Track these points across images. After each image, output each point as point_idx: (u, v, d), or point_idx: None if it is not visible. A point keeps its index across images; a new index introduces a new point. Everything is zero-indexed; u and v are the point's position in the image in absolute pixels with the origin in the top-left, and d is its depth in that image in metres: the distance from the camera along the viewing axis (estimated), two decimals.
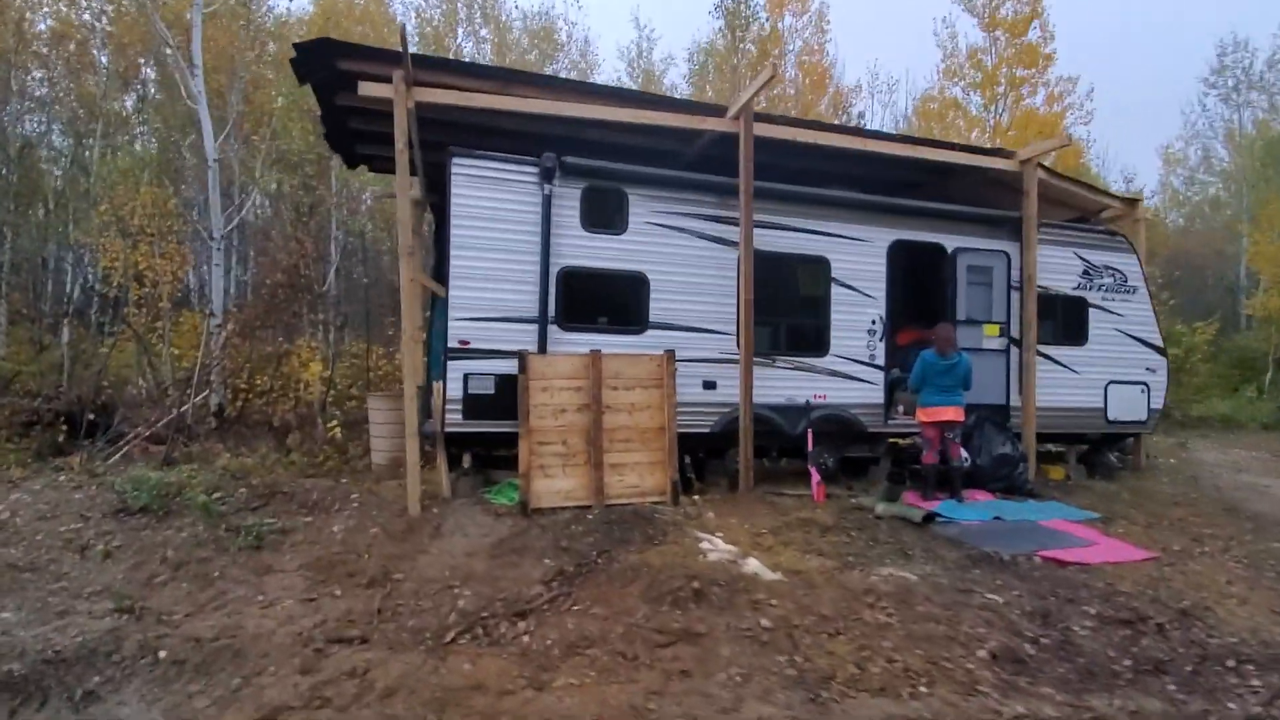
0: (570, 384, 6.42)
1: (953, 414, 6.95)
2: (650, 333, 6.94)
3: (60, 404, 9.56)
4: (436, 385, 6.74)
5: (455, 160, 6.41)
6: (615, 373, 6.51)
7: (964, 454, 7.14)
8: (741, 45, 18.20)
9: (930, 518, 6.10)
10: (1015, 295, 8.13)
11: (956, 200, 8.24)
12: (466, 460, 6.78)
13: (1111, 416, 8.66)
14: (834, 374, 7.52)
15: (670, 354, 6.61)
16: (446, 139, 6.76)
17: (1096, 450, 8.99)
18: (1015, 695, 3.37)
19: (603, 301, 6.88)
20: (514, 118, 6.93)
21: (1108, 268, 8.68)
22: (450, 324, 6.37)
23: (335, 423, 9.83)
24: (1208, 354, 18.76)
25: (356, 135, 7.90)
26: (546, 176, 6.55)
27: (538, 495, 6.21)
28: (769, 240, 7.21)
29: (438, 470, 6.90)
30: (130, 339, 11.80)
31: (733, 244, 7.15)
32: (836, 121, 18.63)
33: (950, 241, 7.96)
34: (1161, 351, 9.01)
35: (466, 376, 6.41)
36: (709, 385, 7.07)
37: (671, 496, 6.48)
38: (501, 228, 6.52)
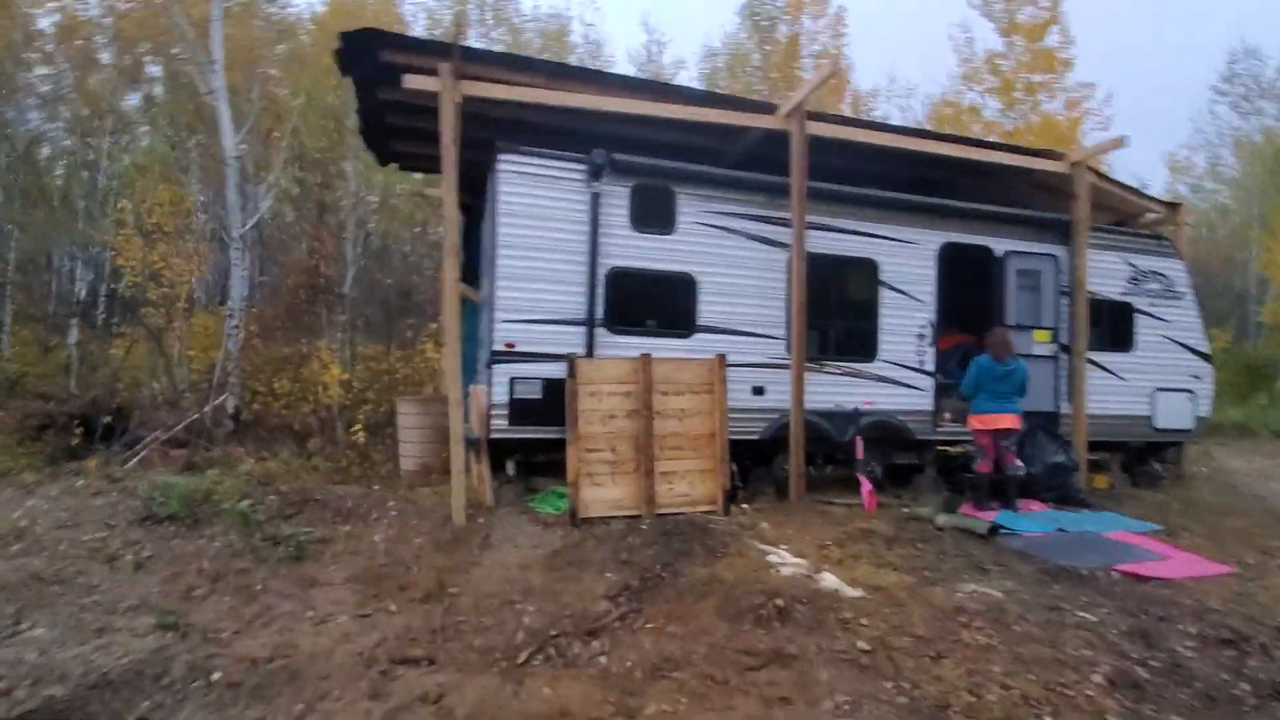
0: (619, 389, 6.19)
1: (1009, 421, 6.74)
2: (698, 336, 6.72)
3: (73, 406, 9.29)
4: (476, 390, 6.50)
5: (502, 156, 6.18)
6: (665, 377, 6.28)
7: (1018, 463, 6.92)
8: (765, 47, 18.09)
9: (995, 529, 5.88)
10: (1064, 300, 7.94)
11: (995, 203, 8.06)
12: (511, 468, 6.53)
13: (1159, 424, 8.47)
14: (882, 379, 7.31)
15: (721, 358, 6.38)
16: (482, 136, 6.54)
17: (1140, 458, 8.80)
18: None
19: (650, 304, 6.66)
20: (554, 114, 6.72)
21: (1154, 273, 8.51)
22: (496, 326, 6.13)
23: (359, 427, 9.57)
24: (1221, 361, 18.67)
25: (391, 131, 7.68)
26: (595, 174, 6.33)
27: (586, 504, 5.96)
28: (817, 241, 7.00)
29: (476, 477, 6.65)
30: (141, 340, 11.52)
31: (781, 245, 6.95)
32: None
33: (999, 245, 7.77)
34: (1207, 358, 8.83)
35: (513, 381, 6.17)
36: (758, 391, 6.84)
37: (723, 506, 6.25)
38: (549, 226, 6.29)
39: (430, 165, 8.82)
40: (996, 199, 8.14)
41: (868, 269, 7.29)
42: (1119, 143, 7.86)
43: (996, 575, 4.89)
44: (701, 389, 6.41)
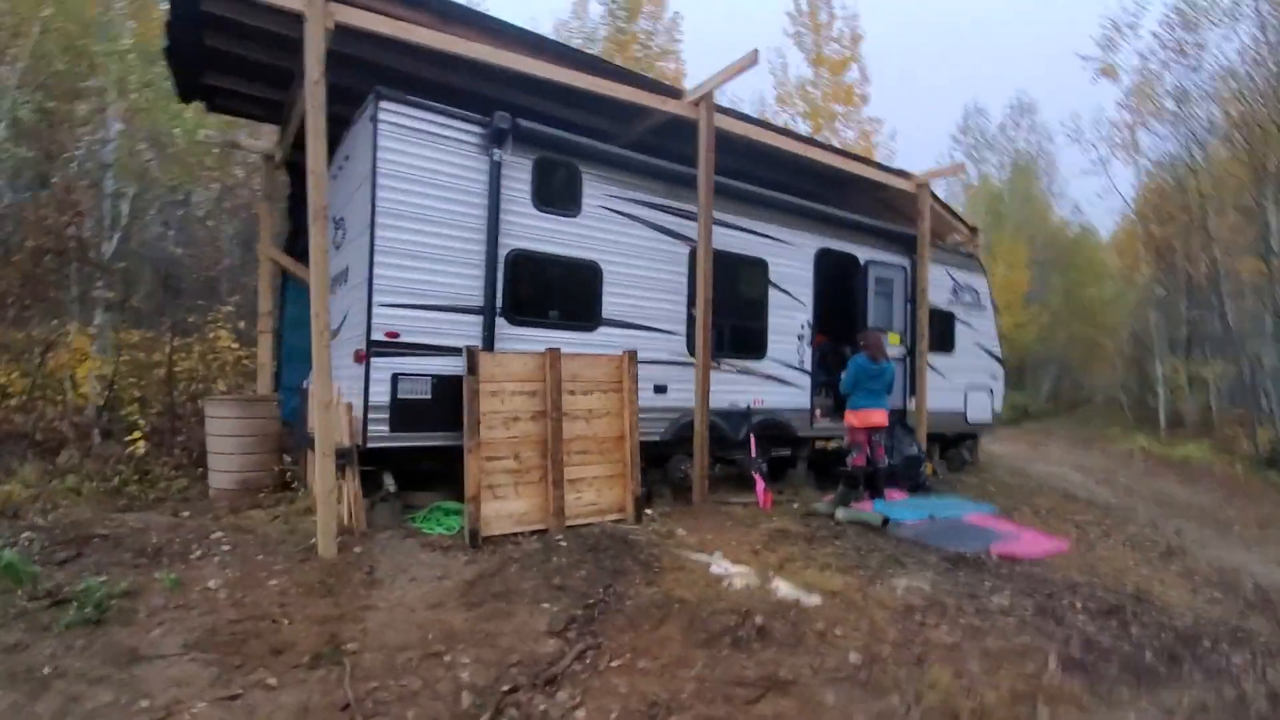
0: (524, 388, 5.45)
1: (882, 418, 7.20)
2: (603, 330, 6.19)
3: None
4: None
5: (385, 106, 5.09)
6: (572, 375, 5.67)
7: (885, 456, 7.44)
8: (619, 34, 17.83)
9: (886, 521, 6.20)
10: (907, 307, 8.75)
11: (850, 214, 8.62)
12: (389, 483, 5.43)
13: (970, 418, 9.74)
14: (770, 378, 7.41)
15: (632, 354, 5.93)
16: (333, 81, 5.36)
17: (953, 447, 10.06)
18: (1122, 708, 3.36)
19: (553, 293, 5.98)
20: (431, 64, 5.76)
21: (969, 286, 9.76)
22: (375, 311, 5.03)
23: (137, 435, 7.46)
24: None
25: (207, 57, 6.02)
26: (497, 140, 5.50)
27: (488, 521, 5.15)
28: (714, 237, 6.85)
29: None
30: None
31: (682, 237, 6.70)
32: None
33: (862, 254, 8.31)
34: (1001, 362, 10.37)
35: (396, 378, 5.12)
36: (660, 389, 6.51)
37: (634, 514, 5.82)
38: (440, 196, 5.33)
39: (250, 107, 7.20)
40: (853, 210, 8.71)
41: (759, 268, 7.33)
42: (961, 168, 8.86)
43: (913, 568, 5.09)
44: (610, 387, 5.91)
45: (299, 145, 7.19)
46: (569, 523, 5.49)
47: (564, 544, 5.04)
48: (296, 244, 8.07)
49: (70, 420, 7.91)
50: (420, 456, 5.49)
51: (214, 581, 4.33)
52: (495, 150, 5.49)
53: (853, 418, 7.25)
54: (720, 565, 4.69)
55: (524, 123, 5.58)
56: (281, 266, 7.85)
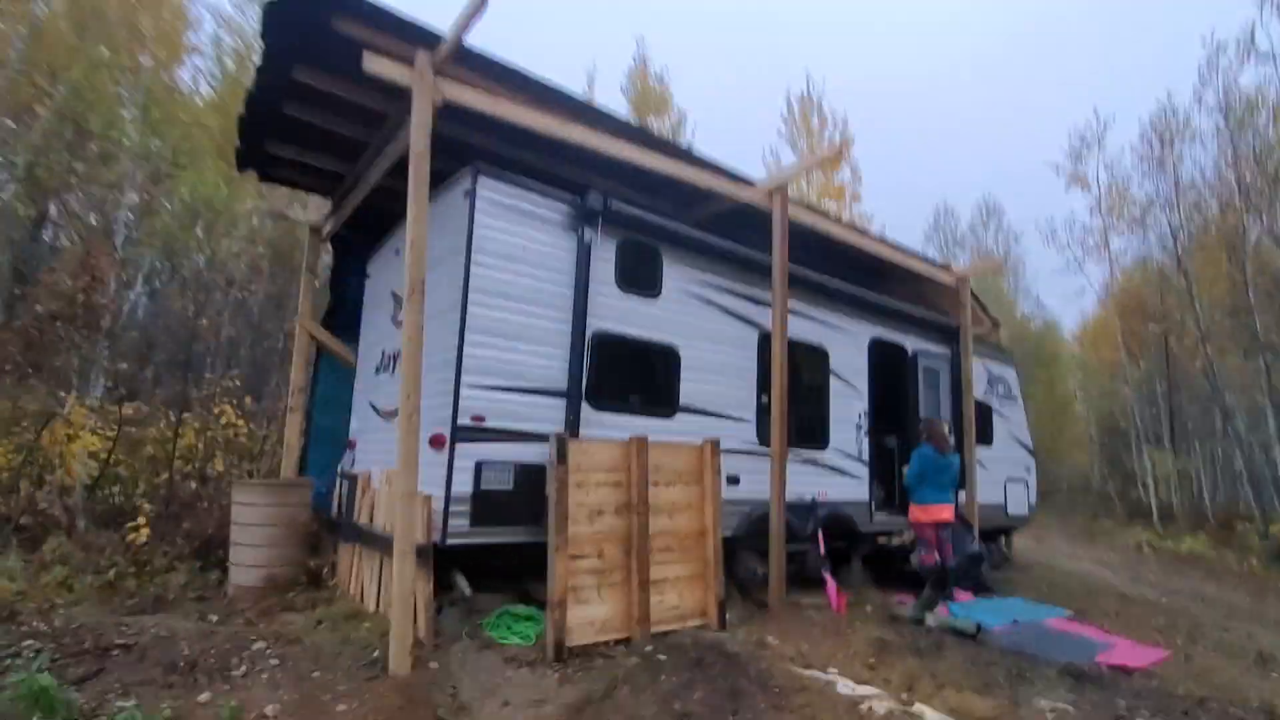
0: (608, 478, 5.05)
1: (949, 513, 6.91)
2: (680, 417, 5.88)
3: None
4: (368, 475, 4.81)
5: (482, 181, 4.91)
6: (655, 465, 5.30)
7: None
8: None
9: (979, 628, 5.80)
10: (951, 399, 8.68)
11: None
12: (464, 585, 4.86)
13: (1010, 511, 9.54)
14: (833, 469, 7.13)
15: (714, 444, 5.60)
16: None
17: (992, 541, 9.78)
18: None
19: (634, 377, 5.68)
20: (516, 144, 5.70)
21: (1000, 378, 9.80)
22: (462, 392, 4.64)
23: (141, 520, 6.70)
24: None
25: (278, 127, 5.83)
26: (588, 219, 5.34)
27: (572, 629, 4.61)
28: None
29: (374, 599, 4.85)
30: None
31: (751, 323, 6.56)
32: None
33: (909, 343, 8.29)
34: (1032, 453, 10.31)
35: (479, 466, 4.68)
36: (732, 480, 6.15)
37: (718, 619, 5.32)
38: (529, 274, 5.09)
39: (304, 178, 6.97)
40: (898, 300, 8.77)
41: (821, 356, 7.20)
42: (999, 265, 9.05)
43: (1040, 684, 4.68)
44: (692, 479, 5.54)
45: (354, 222, 7.00)
46: (653, 629, 4.97)
47: (661, 657, 4.50)
48: (335, 319, 7.70)
49: (62, 503, 7.09)
50: (488, 554, 4.97)
51: (271, 708, 3.70)
52: (586, 229, 5.33)
53: (920, 513, 6.93)
54: (845, 686, 4.22)
55: (615, 203, 5.45)
56: (318, 342, 7.41)
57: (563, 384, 5.14)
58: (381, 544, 5.26)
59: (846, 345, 7.47)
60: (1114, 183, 20.52)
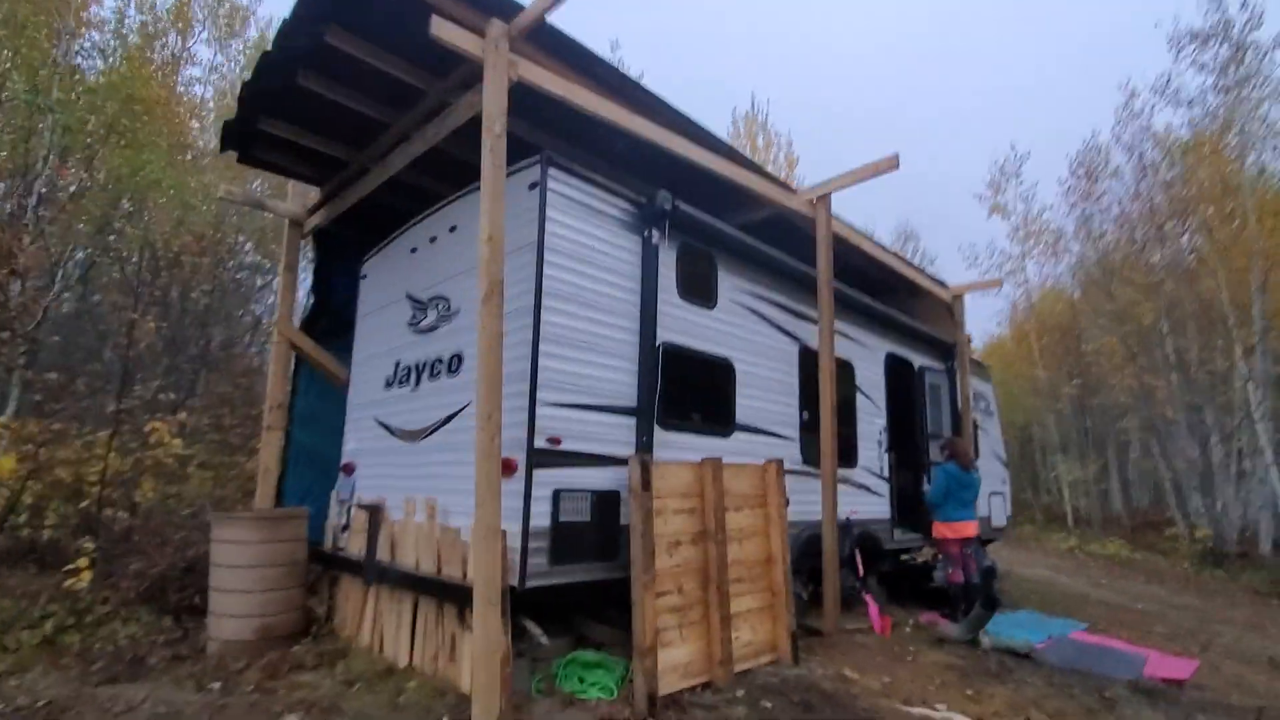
0: (684, 505, 4.60)
1: (973, 529, 6.91)
2: (737, 436, 5.50)
3: None
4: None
5: (552, 171, 4.37)
6: (724, 489, 4.90)
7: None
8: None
9: (1031, 647, 5.75)
10: (951, 414, 8.79)
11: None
12: (538, 632, 4.23)
13: (994, 523, 9.76)
14: (861, 487, 6.96)
15: (778, 464, 5.27)
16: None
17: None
18: None
19: (695, 393, 5.25)
20: (560, 136, 5.21)
21: (980, 394, 10.07)
22: (539, 411, 4.06)
23: (84, 561, 5.57)
24: None
25: (284, 102, 5.03)
26: (654, 220, 4.90)
27: (662, 677, 4.11)
28: (811, 336, 6.53)
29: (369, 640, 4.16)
30: None
31: (792, 335, 6.31)
32: None
33: (916, 359, 8.32)
34: (1007, 466, 10.65)
35: (557, 495, 4.10)
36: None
37: (792, 653, 4.95)
38: (597, 277, 4.57)
39: (295, 164, 6.10)
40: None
41: (848, 371, 7.03)
42: (998, 282, 9.30)
43: (1129, 707, 4.61)
44: (756, 502, 5.17)
45: (348, 217, 6.21)
46: (736, 669, 4.54)
47: (766, 704, 4.08)
48: (316, 325, 6.79)
49: None
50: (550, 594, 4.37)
51: None
52: (652, 231, 4.88)
53: (946, 530, 6.89)
54: None
55: (681, 205, 5.04)
56: (298, 351, 6.48)
57: (633, 400, 4.64)
58: (414, 585, 4.56)
59: (868, 360, 7.37)
60: (1026, 210, 22.25)
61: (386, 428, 5.46)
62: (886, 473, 7.43)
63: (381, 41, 4.46)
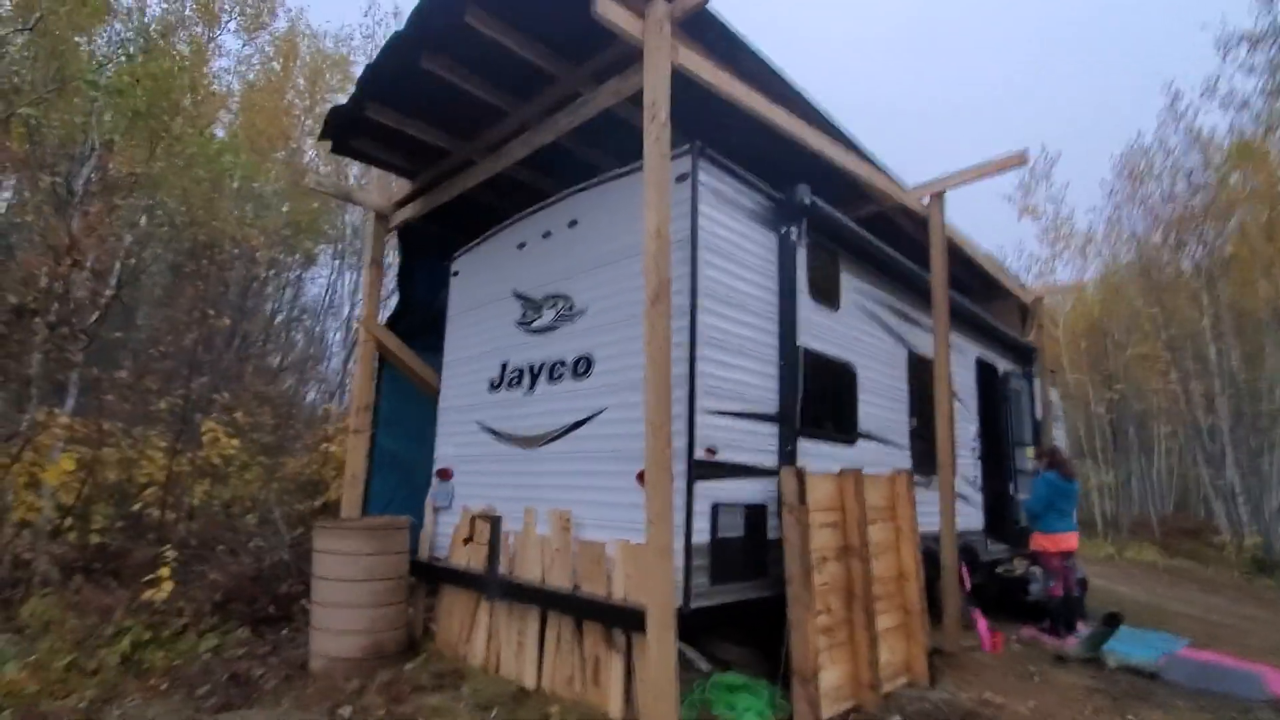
0: (827, 518, 4.35)
1: (1074, 541, 6.70)
2: (860, 444, 5.26)
3: None
4: (469, 516, 3.87)
5: (703, 166, 4.10)
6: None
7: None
8: None
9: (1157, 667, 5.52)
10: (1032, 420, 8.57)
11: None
12: (695, 657, 3.98)
13: None
14: (960, 496, 6.71)
15: (908, 475, 5.03)
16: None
17: None
18: None
19: (825, 399, 5.00)
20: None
21: (1051, 401, 9.85)
22: (698, 419, 3.80)
23: (165, 571, 5.29)
24: None
25: (397, 88, 4.76)
26: (793, 216, 4.64)
27: (823, 701, 3.86)
28: (920, 341, 6.30)
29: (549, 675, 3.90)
30: None
31: (902, 340, 6.08)
32: None
33: (1000, 364, 8.09)
34: None
35: (716, 509, 3.84)
36: None
37: (928, 674, 4.71)
38: (743, 277, 4.33)
39: (393, 156, 5.83)
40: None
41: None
42: (1078, 287, 9.08)
43: None
44: (887, 515, 4.92)
45: (442, 213, 5.94)
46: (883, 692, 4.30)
47: None
48: (400, 323, 6.51)
49: (46, 551, 5.48)
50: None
51: None
52: (790, 228, 4.62)
53: (1046, 542, 6.66)
54: None
55: (819, 201, 4.78)
56: (383, 351, 6.20)
57: (774, 407, 4.39)
58: (546, 601, 4.31)
59: (961, 364, 7.13)
60: (1056, 212, 22.07)
61: (493, 432, 5.19)
62: (979, 481, 7.20)
63: (519, 24, 4.19)
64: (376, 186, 6.39)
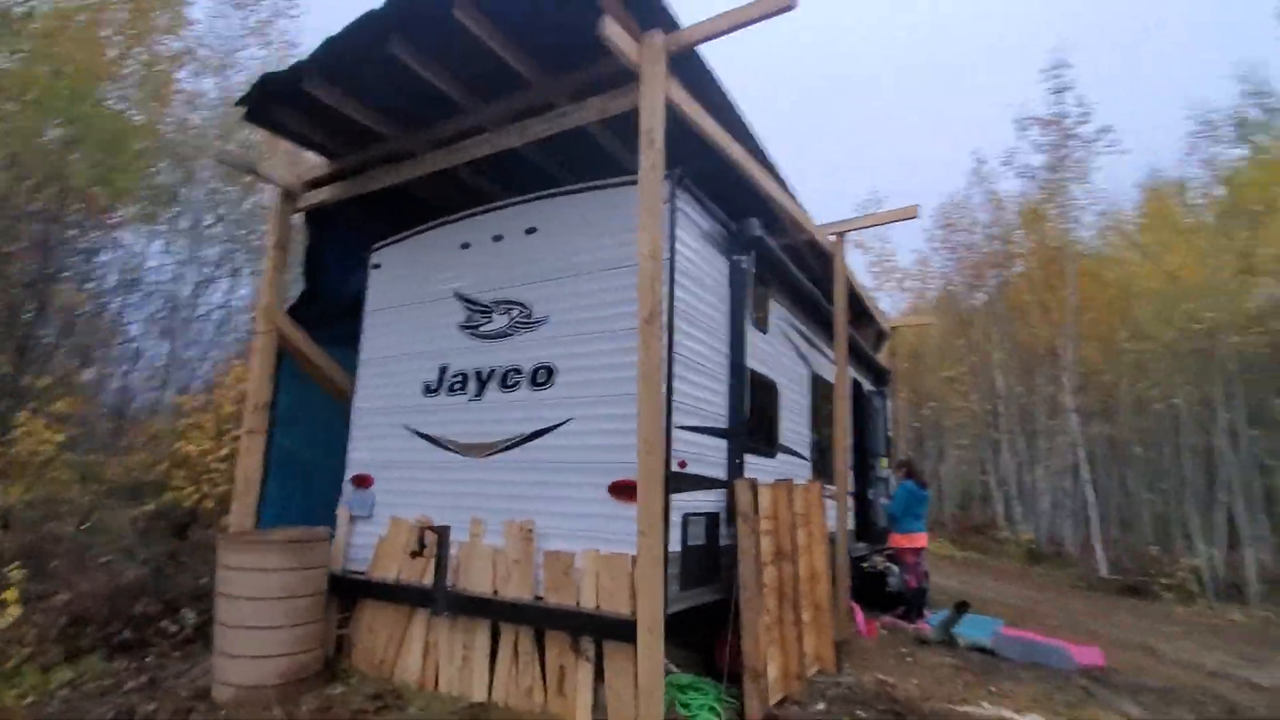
0: (766, 526, 4.75)
1: (925, 540, 7.81)
2: (780, 456, 5.74)
3: None
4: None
5: (680, 194, 4.30)
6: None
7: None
8: None
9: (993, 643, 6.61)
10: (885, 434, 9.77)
11: None
12: (666, 663, 4.08)
13: None
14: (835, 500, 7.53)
15: (819, 485, 5.61)
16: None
17: None
18: None
19: (758, 415, 5.39)
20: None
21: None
22: (674, 434, 3.98)
23: (11, 593, 4.40)
24: None
25: (346, 65, 4.42)
26: (744, 245, 4.99)
27: (764, 694, 4.23)
28: (818, 362, 7.01)
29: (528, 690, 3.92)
30: None
31: (806, 360, 6.72)
32: None
33: (865, 383, 9.15)
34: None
35: (686, 519, 4.05)
36: None
37: (835, 662, 5.29)
38: (707, 300, 4.59)
39: (315, 134, 5.35)
40: None
41: (830, 392, 7.58)
42: (933, 318, 10.44)
43: (1100, 694, 5.52)
44: (803, 521, 5.45)
45: (362, 200, 5.57)
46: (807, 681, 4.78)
47: (863, 715, 4.35)
48: (307, 310, 5.95)
49: None
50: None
51: None
52: (742, 257, 4.97)
53: (904, 540, 7.70)
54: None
55: (764, 235, 5.18)
56: (287, 345, 5.62)
57: (725, 422, 4.70)
58: (500, 613, 4.26)
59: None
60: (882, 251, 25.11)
61: (429, 439, 4.97)
62: (853, 488, 8.10)
63: (507, 26, 4.10)
64: (284, 162, 5.80)
